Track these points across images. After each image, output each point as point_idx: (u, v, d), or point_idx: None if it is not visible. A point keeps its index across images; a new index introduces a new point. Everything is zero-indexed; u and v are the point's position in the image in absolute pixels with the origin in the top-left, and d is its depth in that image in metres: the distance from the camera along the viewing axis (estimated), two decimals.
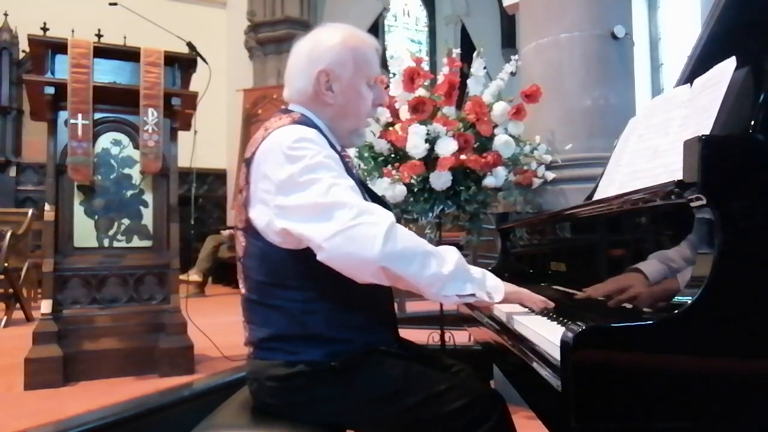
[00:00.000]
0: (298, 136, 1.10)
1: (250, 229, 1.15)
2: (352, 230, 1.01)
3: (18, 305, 4.28)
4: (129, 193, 2.56)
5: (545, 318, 1.16)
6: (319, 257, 1.04)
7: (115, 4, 2.65)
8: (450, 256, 1.07)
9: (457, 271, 1.06)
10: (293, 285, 1.13)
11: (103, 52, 2.51)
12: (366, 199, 1.14)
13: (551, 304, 1.17)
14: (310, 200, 1.04)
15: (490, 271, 1.18)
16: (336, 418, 1.16)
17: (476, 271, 1.12)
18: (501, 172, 2.36)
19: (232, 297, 6.47)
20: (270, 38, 8.66)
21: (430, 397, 1.12)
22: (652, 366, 0.78)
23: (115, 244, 2.53)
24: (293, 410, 1.15)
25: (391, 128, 2.36)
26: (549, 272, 1.51)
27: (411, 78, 2.30)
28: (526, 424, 1.24)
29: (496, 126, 2.36)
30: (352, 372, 1.12)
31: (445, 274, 1.05)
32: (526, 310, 1.32)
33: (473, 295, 1.10)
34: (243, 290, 1.21)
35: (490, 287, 1.13)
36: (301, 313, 1.13)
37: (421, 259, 1.03)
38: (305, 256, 1.09)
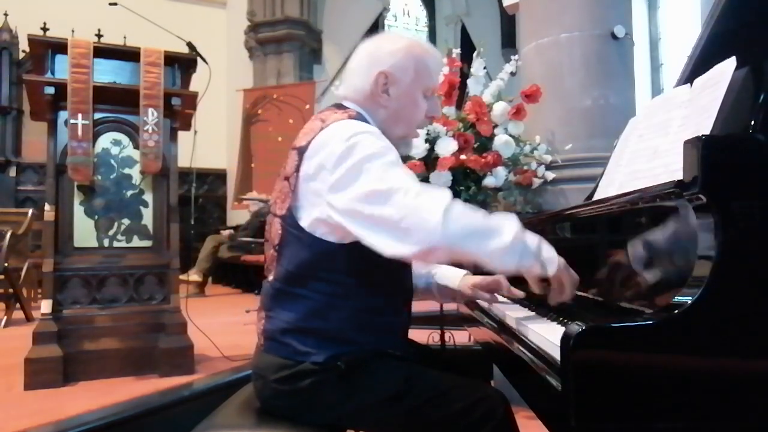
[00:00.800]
0: (361, 129, 1.10)
1: (289, 218, 1.14)
2: (410, 214, 1.00)
3: (18, 305, 4.28)
4: (129, 193, 2.56)
5: (545, 318, 1.16)
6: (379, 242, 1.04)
7: (115, 4, 2.65)
8: (508, 228, 1.04)
9: (514, 244, 1.04)
10: (324, 277, 1.12)
11: (103, 52, 2.51)
12: None
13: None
14: (367, 188, 1.04)
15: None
16: (340, 419, 1.16)
17: (532, 240, 1.09)
18: (501, 172, 2.36)
19: (232, 297, 6.48)
20: (270, 38, 8.67)
21: (434, 397, 1.12)
22: (652, 366, 0.78)
23: (115, 244, 2.53)
24: (297, 410, 1.15)
25: None
26: None
27: None
28: (526, 424, 1.24)
29: (496, 126, 2.36)
30: (357, 373, 1.12)
31: (502, 248, 1.03)
32: (526, 309, 1.32)
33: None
34: (270, 277, 1.20)
35: (545, 258, 1.09)
36: (325, 306, 1.13)
37: (480, 235, 1.02)
38: (344, 250, 1.10)
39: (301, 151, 1.15)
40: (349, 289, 1.12)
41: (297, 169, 1.14)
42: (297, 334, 1.14)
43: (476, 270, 1.33)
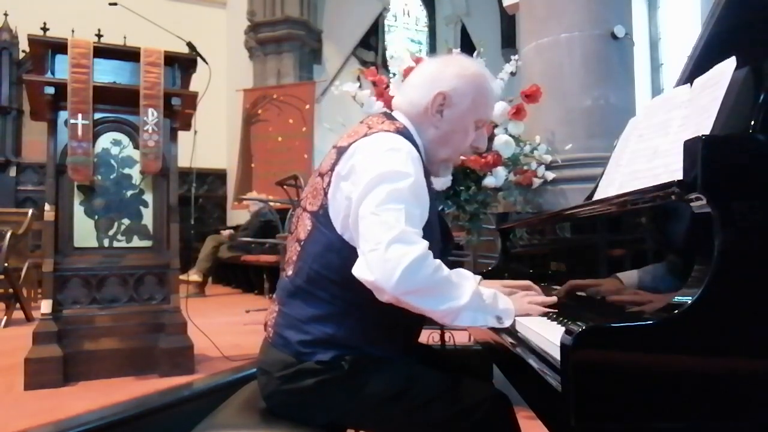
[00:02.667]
0: (400, 146, 1.11)
1: (322, 216, 1.14)
2: (378, 253, 1.01)
3: (18, 305, 4.28)
4: (129, 193, 2.56)
5: (545, 318, 1.17)
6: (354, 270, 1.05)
7: (115, 4, 2.65)
8: (466, 288, 1.07)
9: (471, 302, 1.06)
10: (345, 284, 1.10)
11: (103, 52, 2.51)
12: (433, 229, 1.15)
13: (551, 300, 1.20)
14: (373, 204, 1.04)
15: (490, 270, 1.18)
16: (342, 418, 1.16)
17: (488, 295, 1.12)
18: (501, 172, 2.36)
19: (232, 297, 6.49)
20: (270, 38, 8.67)
21: (436, 397, 1.12)
22: (652, 366, 0.78)
23: (115, 244, 2.53)
24: (299, 408, 1.15)
25: None
26: (549, 272, 1.51)
27: None
28: (526, 424, 1.24)
29: (496, 126, 2.36)
30: (360, 374, 1.12)
31: (458, 307, 1.05)
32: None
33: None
34: (290, 272, 1.20)
35: (501, 311, 1.13)
36: (340, 313, 1.13)
37: (437, 294, 1.04)
38: None
39: (341, 151, 1.15)
40: (366, 299, 1.09)
41: (332, 167, 1.15)
42: (307, 333, 1.14)
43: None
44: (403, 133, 1.17)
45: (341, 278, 1.11)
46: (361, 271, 1.03)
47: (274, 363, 1.16)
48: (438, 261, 1.05)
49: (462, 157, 1.35)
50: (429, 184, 1.21)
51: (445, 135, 1.23)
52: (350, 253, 1.09)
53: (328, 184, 1.14)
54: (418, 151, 1.18)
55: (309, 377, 1.12)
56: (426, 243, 1.04)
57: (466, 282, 1.08)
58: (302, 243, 1.18)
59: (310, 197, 1.19)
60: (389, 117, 1.23)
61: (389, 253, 1.00)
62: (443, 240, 1.29)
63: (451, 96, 1.20)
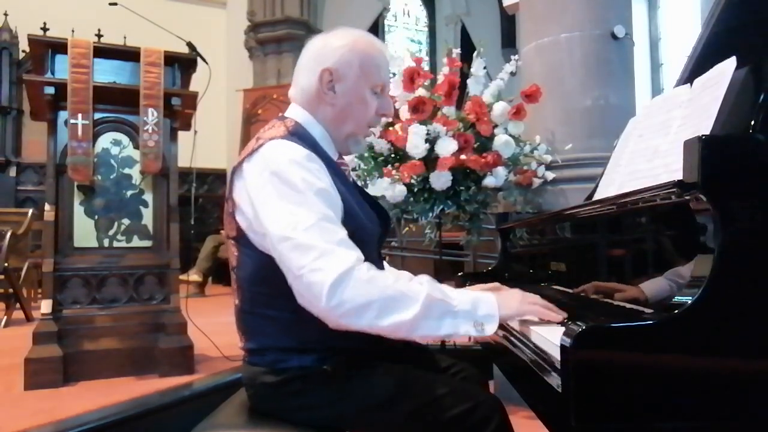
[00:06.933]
0: (288, 158, 1.06)
1: (241, 238, 1.12)
2: (303, 279, 0.96)
3: (18, 305, 4.28)
4: (129, 193, 2.56)
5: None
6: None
7: (115, 4, 2.65)
8: (417, 294, 0.98)
9: (427, 311, 0.97)
10: (286, 294, 1.04)
11: (103, 52, 2.52)
12: (356, 215, 1.11)
13: (561, 315, 1.08)
14: (280, 231, 1.00)
15: (490, 270, 1.17)
16: (334, 422, 1.14)
17: (462, 301, 1.03)
18: (501, 172, 2.36)
19: (232, 297, 6.46)
20: (270, 38, 8.67)
21: (428, 402, 1.09)
22: (652, 366, 0.78)
23: (115, 244, 2.53)
24: (291, 414, 1.14)
25: (391, 128, 2.36)
26: (549, 272, 1.51)
27: (411, 78, 2.30)
28: (526, 424, 1.24)
29: (496, 126, 2.36)
30: (347, 376, 1.10)
31: (409, 318, 0.96)
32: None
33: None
34: (236, 300, 1.18)
35: (482, 317, 1.03)
36: (294, 322, 1.09)
37: (378, 308, 0.96)
38: None
39: (233, 172, 1.13)
40: None
41: (231, 190, 1.13)
42: (276, 350, 1.13)
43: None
44: (294, 132, 1.14)
45: (282, 291, 1.05)
46: (300, 300, 1.00)
47: (256, 375, 1.15)
48: (370, 272, 0.97)
49: (372, 129, 1.30)
50: (340, 165, 1.19)
51: (342, 110, 1.18)
52: (276, 264, 1.06)
53: (234, 208, 1.12)
54: (317, 146, 1.15)
55: (293, 383, 1.11)
56: (349, 255, 0.97)
57: (418, 288, 0.99)
58: (235, 270, 1.16)
59: (226, 223, 1.17)
60: (280, 119, 1.20)
61: (312, 276, 0.95)
62: (380, 219, 1.25)
63: (337, 69, 1.16)
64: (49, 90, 2.36)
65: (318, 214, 1.00)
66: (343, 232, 1.02)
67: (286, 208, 1.01)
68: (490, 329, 1.03)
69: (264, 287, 1.11)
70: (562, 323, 1.06)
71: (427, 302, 0.98)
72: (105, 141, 2.52)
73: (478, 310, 1.03)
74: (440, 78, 2.40)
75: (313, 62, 1.19)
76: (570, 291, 1.32)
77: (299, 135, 1.14)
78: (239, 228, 1.12)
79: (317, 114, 1.20)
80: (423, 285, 1.01)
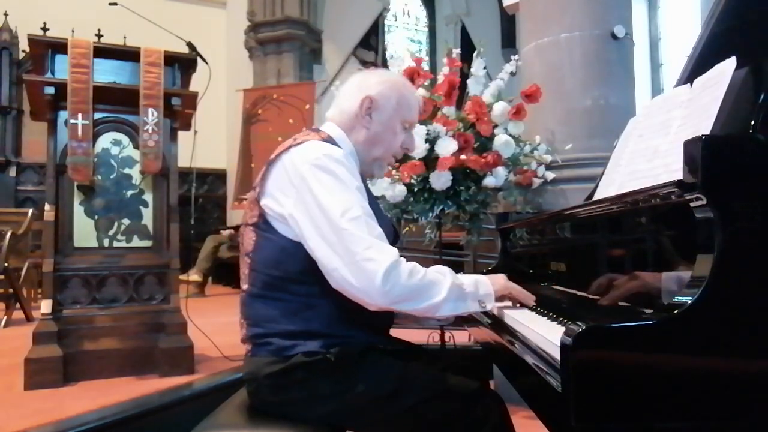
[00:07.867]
0: (327, 152, 1.17)
1: (262, 222, 1.20)
2: (356, 266, 1.06)
3: (18, 305, 4.28)
4: (129, 193, 2.56)
5: (545, 318, 1.17)
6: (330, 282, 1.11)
7: (115, 4, 2.65)
8: (443, 282, 1.14)
9: (450, 294, 1.14)
10: (299, 279, 1.17)
11: (103, 52, 2.51)
12: (378, 222, 1.18)
13: (532, 299, 1.29)
14: (326, 219, 1.09)
15: (489, 270, 1.19)
16: (335, 417, 1.15)
17: (468, 284, 1.20)
18: (501, 172, 2.36)
19: (232, 297, 6.47)
20: (270, 38, 8.67)
21: (430, 398, 1.12)
22: (652, 366, 0.78)
23: (115, 244, 2.53)
24: (292, 408, 1.15)
25: None
26: (549, 272, 1.51)
27: (411, 78, 2.30)
28: (526, 424, 1.24)
29: (496, 126, 2.36)
30: (350, 368, 1.13)
31: (439, 301, 1.13)
32: (526, 309, 1.32)
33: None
34: (245, 286, 1.23)
35: (483, 295, 1.21)
36: (303, 307, 1.17)
37: (417, 294, 1.11)
38: None
39: (270, 164, 1.22)
40: (325, 287, 1.13)
41: (263, 178, 1.21)
42: (280, 335, 1.16)
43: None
44: (328, 141, 1.26)
45: (298, 275, 1.17)
46: (340, 283, 1.09)
47: (259, 367, 1.17)
48: (411, 264, 1.11)
49: (393, 160, 1.44)
50: (364, 180, 1.30)
51: (375, 135, 1.32)
52: (298, 250, 1.15)
53: (261, 194, 1.20)
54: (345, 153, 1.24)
55: (297, 372, 1.13)
56: (395, 251, 1.11)
57: (442, 278, 1.15)
58: (250, 254, 1.23)
59: (249, 211, 1.25)
60: (314, 130, 1.32)
61: (367, 265, 1.06)
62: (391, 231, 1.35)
63: (377, 99, 1.31)
64: (49, 90, 2.36)
65: (362, 209, 1.13)
66: (379, 228, 1.14)
67: (338, 195, 1.12)
68: (490, 305, 1.23)
69: (279, 270, 1.18)
70: (560, 322, 1.08)
71: (450, 288, 1.15)
72: (105, 141, 2.52)
73: (479, 290, 1.22)
74: (440, 78, 2.41)
75: (357, 89, 1.33)
76: (570, 291, 1.33)
77: (332, 143, 1.25)
78: (261, 213, 1.20)
79: (351, 134, 1.32)
80: (446, 276, 1.17)
